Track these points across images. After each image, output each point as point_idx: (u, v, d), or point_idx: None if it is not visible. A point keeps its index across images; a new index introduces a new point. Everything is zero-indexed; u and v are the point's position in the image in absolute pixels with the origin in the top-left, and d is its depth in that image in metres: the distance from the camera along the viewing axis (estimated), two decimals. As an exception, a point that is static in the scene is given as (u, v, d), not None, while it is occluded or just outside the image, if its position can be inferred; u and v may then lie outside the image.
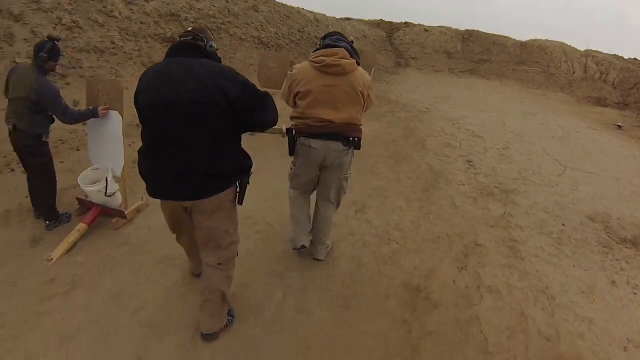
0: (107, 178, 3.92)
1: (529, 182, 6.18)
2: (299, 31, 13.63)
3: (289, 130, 3.09)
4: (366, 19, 23.04)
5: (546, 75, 18.22)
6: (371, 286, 3.43)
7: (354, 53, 3.04)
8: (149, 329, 2.77)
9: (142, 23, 9.06)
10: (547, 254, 4.27)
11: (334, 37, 3.12)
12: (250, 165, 2.47)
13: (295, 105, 3.10)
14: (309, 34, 14.06)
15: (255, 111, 2.24)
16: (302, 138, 3.03)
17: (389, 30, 22.10)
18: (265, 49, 11.07)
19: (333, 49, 2.96)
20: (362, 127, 3.12)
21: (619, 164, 8.07)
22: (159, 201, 2.44)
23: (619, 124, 12.80)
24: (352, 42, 3.23)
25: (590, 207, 5.61)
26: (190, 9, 10.22)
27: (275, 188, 4.92)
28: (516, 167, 6.79)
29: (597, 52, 19.97)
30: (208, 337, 2.69)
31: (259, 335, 2.80)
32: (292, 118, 3.12)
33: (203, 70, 2.11)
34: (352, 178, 3.53)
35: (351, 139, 3.00)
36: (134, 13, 9.11)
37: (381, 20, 23.11)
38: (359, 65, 3.06)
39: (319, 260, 3.61)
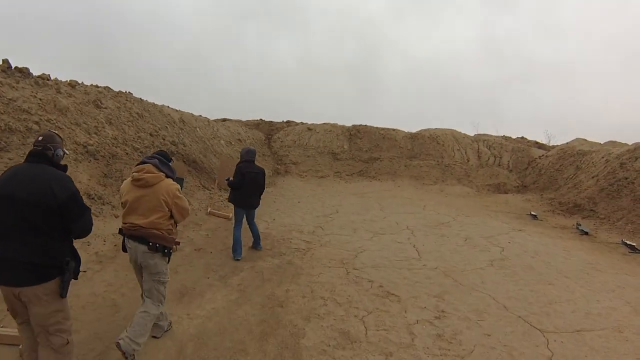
0: None
1: None
2: (151, 135, 9.94)
3: (120, 230, 3.59)
4: (245, 119, 20.73)
5: (441, 168, 16.65)
6: None
7: (163, 167, 3.57)
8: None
9: None
10: None
11: (150, 155, 3.67)
12: (70, 263, 2.67)
13: None
14: (164, 138, 10.39)
15: (74, 220, 2.63)
16: (125, 238, 3.52)
17: (269, 130, 19.70)
18: (90, 160, 7.21)
19: (142, 165, 3.50)
20: (170, 235, 3.56)
21: (594, 291, 5.74)
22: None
23: (533, 213, 11.47)
24: (171, 160, 3.83)
25: None
26: (-5, 99, 6.44)
27: None
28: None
29: (487, 135, 19.50)
30: None
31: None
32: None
33: (43, 176, 2.55)
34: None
35: (151, 243, 3.38)
36: None
37: (260, 119, 20.79)
38: (170, 177, 3.60)
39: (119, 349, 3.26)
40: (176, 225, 3.71)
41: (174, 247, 3.80)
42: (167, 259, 3.58)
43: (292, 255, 6.39)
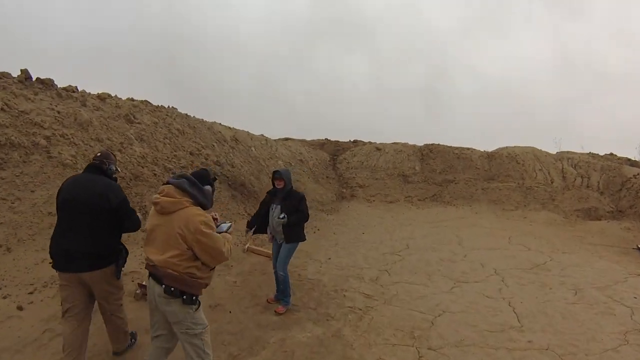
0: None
1: None
2: (191, 153, 8.93)
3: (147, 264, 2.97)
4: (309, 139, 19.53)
5: (522, 191, 14.32)
6: None
7: (193, 189, 2.74)
8: None
9: None
10: None
11: (180, 174, 2.92)
12: (122, 252, 3.26)
13: None
14: (207, 158, 9.32)
15: (124, 220, 3.22)
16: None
17: (334, 151, 18.30)
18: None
19: (163, 186, 2.80)
20: (190, 278, 2.65)
21: None
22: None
23: (640, 247, 9.22)
24: (215, 179, 3.11)
25: None
26: (4, 110, 5.81)
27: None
28: None
29: (571, 152, 16.78)
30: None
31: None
32: None
33: (99, 184, 3.11)
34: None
35: (164, 285, 2.61)
36: None
37: (326, 139, 19.47)
38: (200, 204, 2.76)
39: None
40: (210, 268, 2.83)
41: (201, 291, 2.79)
42: (194, 307, 2.71)
43: (344, 321, 4.70)
